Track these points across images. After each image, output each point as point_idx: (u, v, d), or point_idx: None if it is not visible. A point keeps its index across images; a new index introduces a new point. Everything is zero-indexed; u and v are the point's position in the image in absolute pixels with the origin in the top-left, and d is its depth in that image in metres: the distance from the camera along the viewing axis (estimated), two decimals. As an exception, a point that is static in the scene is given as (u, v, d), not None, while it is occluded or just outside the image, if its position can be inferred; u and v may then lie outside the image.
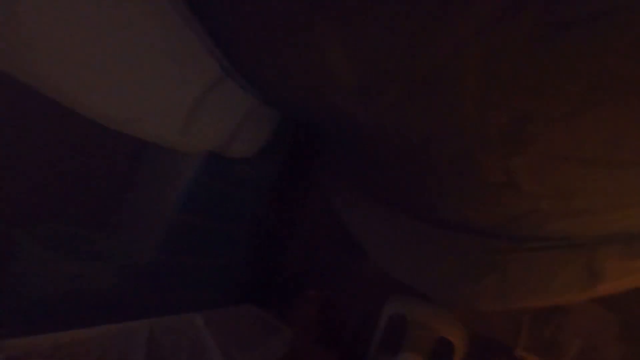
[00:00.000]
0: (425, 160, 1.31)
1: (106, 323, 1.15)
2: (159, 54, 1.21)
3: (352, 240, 2.07)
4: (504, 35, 0.67)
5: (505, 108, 0.86)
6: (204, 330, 1.57)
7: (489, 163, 1.15)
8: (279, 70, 1.28)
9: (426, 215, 1.70)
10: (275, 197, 2.21)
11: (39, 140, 1.26)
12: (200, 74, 1.39)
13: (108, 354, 1.01)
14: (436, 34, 0.73)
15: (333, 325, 2.07)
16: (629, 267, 1.28)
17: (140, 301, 1.67)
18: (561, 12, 0.62)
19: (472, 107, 0.90)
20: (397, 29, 0.75)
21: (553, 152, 0.97)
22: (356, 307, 2.52)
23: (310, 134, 2.17)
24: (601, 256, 1.30)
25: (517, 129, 0.92)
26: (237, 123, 1.59)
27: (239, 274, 2.15)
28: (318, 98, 1.31)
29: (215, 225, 1.99)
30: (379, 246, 2.02)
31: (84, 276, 1.42)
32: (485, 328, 2.07)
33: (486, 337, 2.06)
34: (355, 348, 2.29)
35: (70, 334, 0.98)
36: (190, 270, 1.91)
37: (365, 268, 2.55)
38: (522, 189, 1.16)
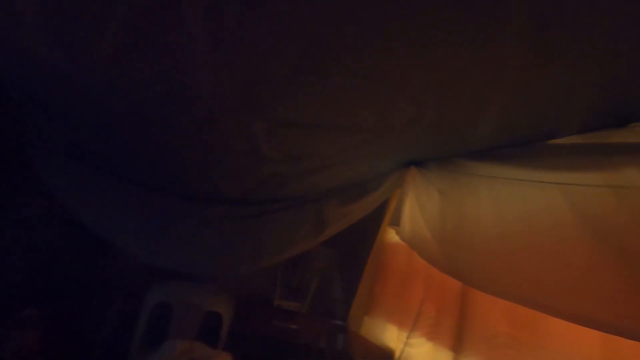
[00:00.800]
0: (167, 127, 1.17)
1: None
2: None
3: (89, 233, 1.67)
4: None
5: (236, 70, 0.84)
6: None
7: (232, 130, 1.15)
8: None
9: (178, 189, 1.57)
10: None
11: None
12: None
13: None
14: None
15: (67, 347, 1.64)
16: (343, 212, 1.64)
17: None
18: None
19: (205, 65, 0.84)
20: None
21: (284, 118, 1.06)
22: (110, 311, 2.13)
23: (8, 99, 1.53)
24: (326, 206, 1.61)
25: (252, 93, 0.93)
26: None
27: None
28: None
29: None
30: (127, 233, 1.72)
31: None
32: (246, 289, 2.22)
33: (249, 296, 2.22)
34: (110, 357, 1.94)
35: None
36: None
37: (117, 263, 2.17)
38: (263, 154, 1.24)
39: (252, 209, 1.54)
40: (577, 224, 0.86)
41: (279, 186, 1.45)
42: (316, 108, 1.02)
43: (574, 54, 0.68)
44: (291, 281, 2.24)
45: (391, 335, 1.70)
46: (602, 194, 0.83)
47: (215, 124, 1.13)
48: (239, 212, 1.54)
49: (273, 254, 1.69)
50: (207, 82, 0.90)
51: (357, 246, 2.05)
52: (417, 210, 1.49)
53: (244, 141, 1.19)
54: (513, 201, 1.06)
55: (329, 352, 2.13)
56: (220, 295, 2.00)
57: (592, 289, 0.81)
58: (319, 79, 0.86)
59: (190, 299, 1.94)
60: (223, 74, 0.86)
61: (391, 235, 1.88)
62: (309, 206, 1.59)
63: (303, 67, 0.81)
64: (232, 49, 0.76)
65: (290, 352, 2.15)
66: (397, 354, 1.61)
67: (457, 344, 1.32)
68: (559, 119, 0.93)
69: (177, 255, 1.71)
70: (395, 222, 1.67)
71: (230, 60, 0.80)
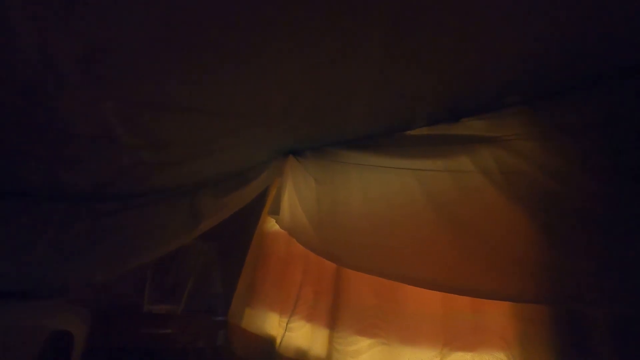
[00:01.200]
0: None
1: None
2: None
3: None
4: None
5: (65, 26, 0.67)
6: None
7: (76, 109, 0.94)
8: None
9: (14, 186, 1.23)
10: None
11: None
12: None
13: None
14: None
15: None
16: (220, 203, 1.55)
17: None
18: None
19: (22, 24, 0.65)
20: None
21: (141, 98, 0.92)
22: None
23: None
24: (199, 199, 1.50)
25: (94, 64, 0.78)
26: None
27: None
28: None
29: None
30: None
31: None
32: (109, 298, 1.92)
33: (112, 306, 1.92)
34: None
35: None
36: None
37: None
38: (120, 140, 1.06)
39: (109, 204, 1.31)
40: (424, 202, 1.01)
41: (143, 177, 1.27)
42: (183, 89, 0.92)
43: (424, 55, 0.78)
44: (164, 282, 2.03)
45: (272, 324, 1.71)
46: (442, 177, 1.00)
47: (53, 100, 0.91)
48: (91, 209, 1.29)
49: (137, 256, 1.49)
50: (30, 40, 0.71)
51: (237, 237, 1.98)
52: (296, 198, 1.52)
53: (93, 124, 1.00)
54: (377, 185, 1.18)
55: (208, 351, 2.02)
56: (69, 310, 1.67)
57: (434, 256, 0.97)
58: (181, 56, 0.77)
59: (25, 320, 1.56)
60: (46, 34, 0.69)
61: (271, 224, 1.87)
62: (181, 200, 1.45)
63: (157, 41, 0.71)
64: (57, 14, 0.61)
65: (164, 358, 1.96)
66: (278, 340, 1.63)
67: (332, 321, 1.40)
68: (412, 110, 1.07)
69: (7, 268, 1.36)
70: (275, 211, 1.67)
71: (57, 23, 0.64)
